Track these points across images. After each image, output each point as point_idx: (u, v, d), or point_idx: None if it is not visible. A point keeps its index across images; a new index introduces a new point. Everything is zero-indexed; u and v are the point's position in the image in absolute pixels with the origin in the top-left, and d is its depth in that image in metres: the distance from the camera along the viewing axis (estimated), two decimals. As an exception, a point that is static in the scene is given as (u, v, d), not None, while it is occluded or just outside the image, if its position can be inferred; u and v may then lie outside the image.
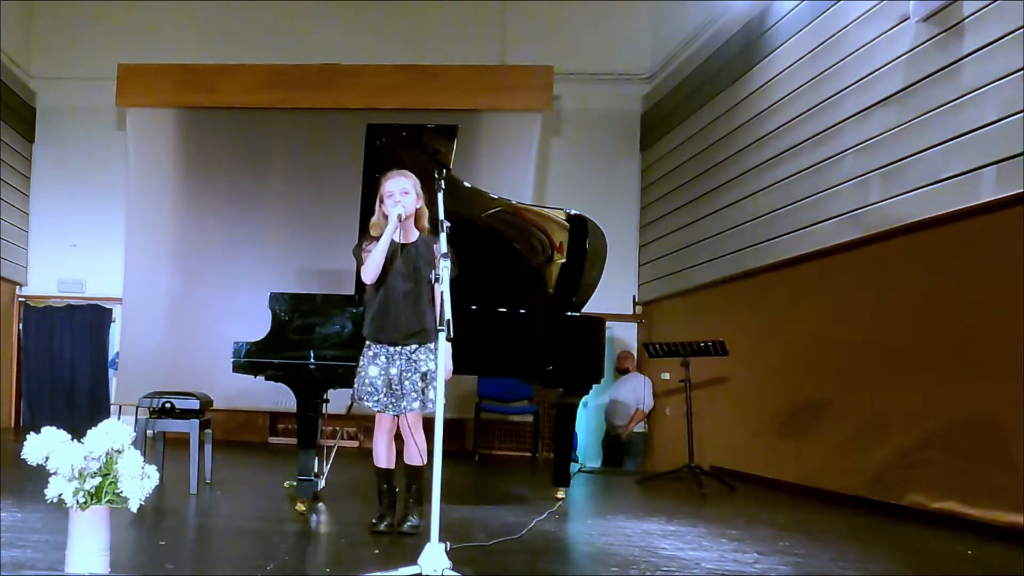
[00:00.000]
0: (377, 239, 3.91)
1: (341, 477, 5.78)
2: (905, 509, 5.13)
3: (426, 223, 4.02)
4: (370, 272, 3.89)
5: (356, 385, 3.99)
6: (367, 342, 4.00)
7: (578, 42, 9.57)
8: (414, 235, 4.00)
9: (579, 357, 5.24)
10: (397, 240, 3.93)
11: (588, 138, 9.75)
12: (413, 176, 3.97)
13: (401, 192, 3.90)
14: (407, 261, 3.92)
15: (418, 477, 4.09)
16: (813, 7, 6.34)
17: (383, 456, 4.10)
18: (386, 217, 3.90)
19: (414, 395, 3.90)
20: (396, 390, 3.91)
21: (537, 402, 8.93)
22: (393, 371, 3.92)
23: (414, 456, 4.05)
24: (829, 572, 3.58)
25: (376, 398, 3.93)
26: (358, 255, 4.00)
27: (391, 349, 3.93)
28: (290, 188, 9.44)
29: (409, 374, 3.91)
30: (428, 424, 3.93)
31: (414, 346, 3.92)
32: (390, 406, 3.93)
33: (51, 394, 9.81)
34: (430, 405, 3.90)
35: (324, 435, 5.66)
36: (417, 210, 3.97)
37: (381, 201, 3.94)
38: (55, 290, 9.96)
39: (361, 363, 4.00)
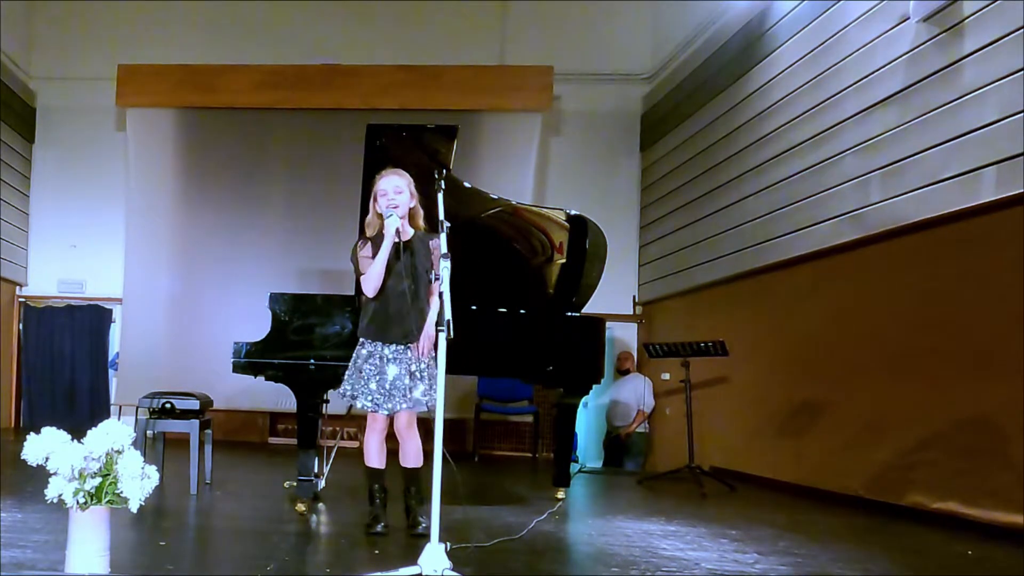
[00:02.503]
0: (371, 239, 3.90)
1: (341, 477, 5.77)
2: (905, 509, 5.13)
3: (421, 221, 4.01)
4: (371, 286, 3.89)
5: (349, 384, 3.97)
6: (361, 340, 4.00)
7: (578, 42, 9.57)
8: (409, 233, 3.98)
9: (579, 357, 5.24)
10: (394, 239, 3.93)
11: (588, 138, 9.75)
12: (407, 174, 3.97)
13: (395, 191, 3.90)
14: (402, 260, 3.90)
15: (416, 479, 4.06)
16: (813, 7, 6.34)
17: (374, 456, 4.08)
18: (380, 216, 3.91)
19: (405, 394, 3.89)
20: (388, 390, 3.90)
21: (537, 402, 8.93)
22: (392, 371, 3.91)
23: (409, 458, 4.02)
24: (829, 572, 3.58)
25: (370, 397, 3.93)
26: (355, 261, 3.99)
27: (387, 349, 3.93)
28: (290, 188, 9.44)
29: (404, 374, 3.91)
30: (423, 424, 3.96)
31: (411, 345, 3.92)
32: (383, 406, 3.92)
33: (51, 394, 9.81)
34: (422, 405, 3.90)
35: (324, 435, 5.67)
36: (411, 209, 3.96)
37: (375, 200, 3.94)
38: (55, 290, 9.96)
39: (354, 362, 3.99)
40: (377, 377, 3.92)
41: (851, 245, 5.81)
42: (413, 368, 3.91)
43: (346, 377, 4.01)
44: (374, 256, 3.90)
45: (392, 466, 4.11)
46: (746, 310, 7.32)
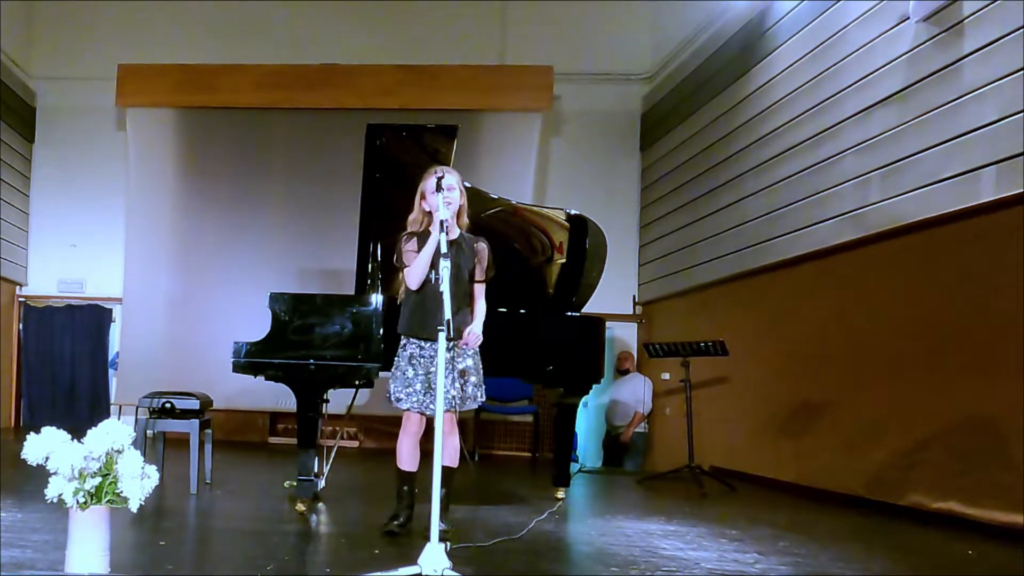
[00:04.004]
0: (418, 235, 3.89)
1: (341, 477, 5.78)
2: (905, 509, 5.13)
3: (465, 219, 4.00)
4: (415, 278, 3.86)
5: (393, 386, 3.95)
6: (403, 340, 3.97)
7: (578, 42, 9.57)
8: (455, 232, 3.93)
9: (579, 357, 5.24)
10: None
11: (588, 138, 9.75)
12: (456, 172, 3.96)
13: (448, 189, 3.83)
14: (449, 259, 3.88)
15: (450, 479, 3.97)
16: (813, 7, 6.34)
17: (407, 458, 4.03)
18: (427, 215, 3.89)
19: (452, 393, 3.86)
20: (434, 389, 3.86)
21: (537, 402, 8.93)
22: (432, 370, 3.86)
23: (446, 456, 3.94)
24: (829, 572, 3.58)
25: (415, 399, 3.90)
26: (400, 254, 3.94)
27: (427, 346, 3.90)
28: (290, 188, 9.43)
29: (448, 371, 3.86)
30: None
31: (451, 343, 3.86)
32: (429, 406, 3.88)
33: (51, 394, 9.81)
34: (469, 403, 3.93)
35: (324, 435, 5.66)
36: (460, 206, 3.92)
37: (423, 198, 3.91)
38: (55, 290, 9.96)
39: (396, 363, 3.97)
40: (423, 377, 3.89)
41: (851, 245, 5.81)
42: (462, 366, 3.90)
43: (391, 379, 3.98)
44: (419, 250, 3.87)
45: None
46: (746, 310, 7.32)
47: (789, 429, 6.54)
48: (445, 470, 3.87)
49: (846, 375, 5.91)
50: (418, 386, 3.90)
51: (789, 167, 6.59)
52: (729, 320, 7.46)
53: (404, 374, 3.93)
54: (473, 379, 3.96)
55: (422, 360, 3.92)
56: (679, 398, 7.40)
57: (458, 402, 3.90)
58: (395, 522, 3.98)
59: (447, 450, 3.96)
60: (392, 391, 3.97)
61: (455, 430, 4.03)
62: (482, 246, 3.95)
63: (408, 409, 3.94)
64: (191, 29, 9.79)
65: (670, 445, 8.35)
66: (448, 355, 3.86)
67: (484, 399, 4.02)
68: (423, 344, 3.93)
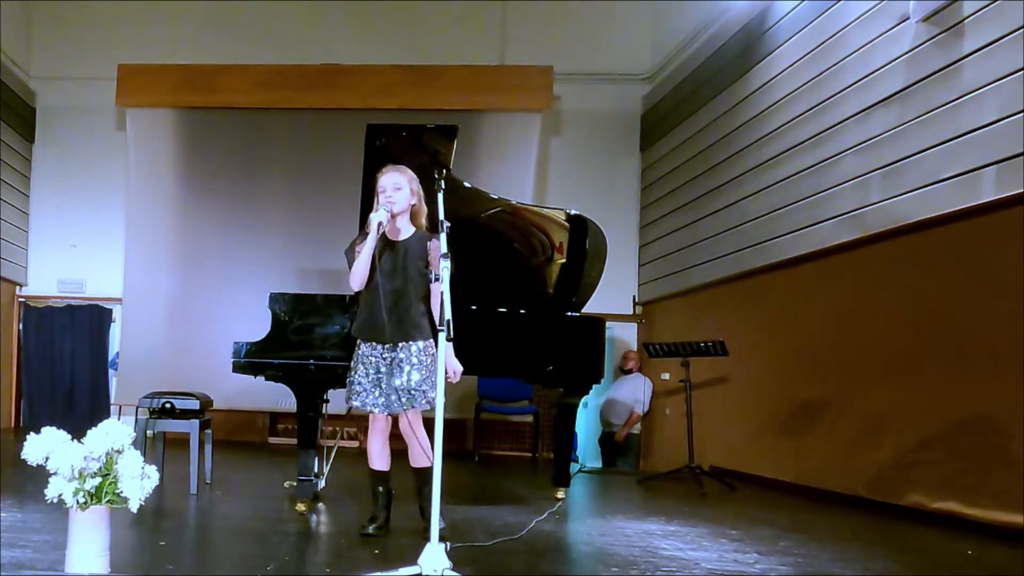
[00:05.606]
0: (382, 236, 3.89)
1: (341, 477, 5.78)
2: (905, 509, 5.13)
3: (423, 220, 3.96)
4: (354, 281, 3.88)
5: (347, 386, 3.98)
6: (357, 341, 4.00)
7: (578, 42, 9.57)
8: (407, 232, 3.94)
9: (579, 357, 5.24)
10: (388, 237, 3.92)
11: (588, 138, 9.75)
12: (409, 172, 3.93)
13: (393, 188, 3.85)
14: (394, 259, 3.88)
15: (426, 479, 3.89)
16: (813, 7, 6.34)
17: (377, 458, 4.06)
18: (393, 216, 3.89)
19: (401, 393, 3.85)
20: (385, 390, 3.88)
21: (537, 402, 8.93)
22: (383, 370, 3.88)
23: (418, 458, 3.98)
24: (829, 572, 3.58)
25: (362, 399, 3.91)
26: (349, 256, 3.96)
27: (378, 348, 3.90)
28: (290, 188, 9.44)
29: (397, 373, 3.86)
30: (428, 422, 3.93)
31: (400, 344, 3.87)
32: (380, 406, 3.90)
33: (51, 394, 9.80)
34: (420, 403, 3.85)
35: (324, 435, 5.66)
36: (413, 206, 3.92)
37: (376, 197, 3.92)
38: (55, 290, 9.96)
39: (352, 362, 3.99)
40: (372, 377, 3.90)
41: (851, 245, 5.81)
42: (407, 368, 3.86)
43: (347, 379, 4.01)
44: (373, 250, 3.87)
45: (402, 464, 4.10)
46: (746, 310, 7.32)
47: (789, 429, 6.54)
48: (417, 471, 3.99)
49: (846, 375, 5.91)
50: (368, 386, 3.89)
51: (789, 167, 6.59)
52: (729, 320, 7.46)
53: (356, 374, 3.93)
54: (416, 375, 3.84)
55: (372, 360, 3.90)
56: (679, 398, 7.40)
57: (400, 404, 3.85)
58: (372, 525, 3.99)
59: (415, 451, 3.97)
60: (347, 391, 3.98)
61: (418, 431, 3.93)
62: (433, 243, 3.77)
63: (361, 409, 3.94)
64: (191, 29, 9.78)
65: (670, 445, 8.35)
66: (391, 356, 3.87)
67: (431, 404, 3.78)
68: (373, 346, 3.91)
